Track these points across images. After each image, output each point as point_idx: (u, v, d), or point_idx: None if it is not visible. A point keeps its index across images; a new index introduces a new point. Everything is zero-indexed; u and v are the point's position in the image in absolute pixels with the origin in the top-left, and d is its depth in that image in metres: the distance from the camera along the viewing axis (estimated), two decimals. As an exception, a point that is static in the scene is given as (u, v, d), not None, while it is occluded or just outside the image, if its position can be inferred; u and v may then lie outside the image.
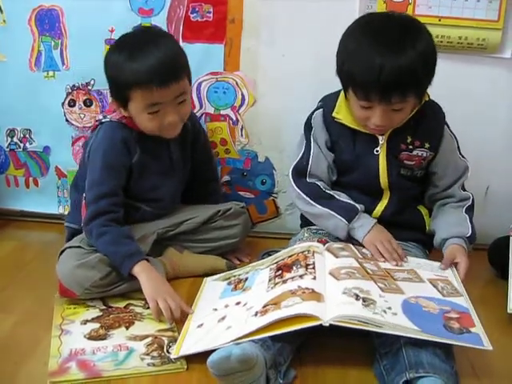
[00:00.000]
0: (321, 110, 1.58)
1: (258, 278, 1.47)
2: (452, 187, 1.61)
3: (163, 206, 1.70)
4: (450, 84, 1.75)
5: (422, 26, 1.46)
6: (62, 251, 1.54)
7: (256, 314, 1.28)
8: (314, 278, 1.34)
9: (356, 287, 1.30)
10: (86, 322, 1.42)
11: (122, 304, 1.50)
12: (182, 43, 1.77)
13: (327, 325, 1.19)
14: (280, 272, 1.42)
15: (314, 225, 1.63)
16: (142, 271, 1.47)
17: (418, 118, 1.52)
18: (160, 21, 1.78)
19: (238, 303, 1.39)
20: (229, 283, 1.53)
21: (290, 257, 1.47)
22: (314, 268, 1.38)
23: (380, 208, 1.58)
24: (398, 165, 1.55)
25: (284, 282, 1.36)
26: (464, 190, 1.63)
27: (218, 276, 1.62)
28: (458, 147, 1.61)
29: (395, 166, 1.55)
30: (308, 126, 1.60)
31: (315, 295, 1.27)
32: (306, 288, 1.30)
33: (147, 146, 1.60)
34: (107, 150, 1.56)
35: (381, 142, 1.53)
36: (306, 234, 1.63)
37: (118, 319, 1.44)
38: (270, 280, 1.41)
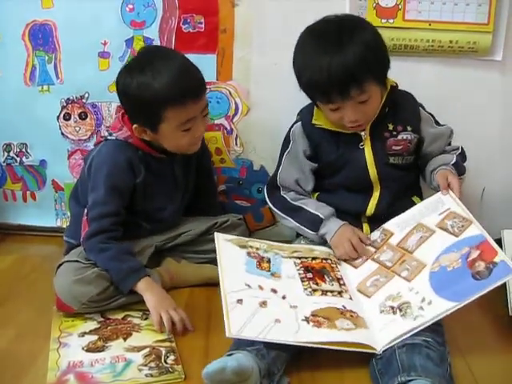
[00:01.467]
0: (299, 122, 1.62)
1: (285, 268, 1.47)
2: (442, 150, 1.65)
3: (165, 224, 1.70)
4: (443, 88, 1.77)
5: (359, 19, 1.54)
6: (60, 265, 1.54)
7: (307, 321, 1.31)
8: (351, 299, 1.41)
9: (388, 297, 1.38)
10: (83, 334, 1.43)
11: (119, 315, 1.51)
12: (174, 54, 1.80)
13: (380, 352, 1.27)
14: (311, 275, 1.46)
15: None
16: (145, 288, 1.48)
17: (394, 107, 1.55)
18: (152, 33, 1.79)
19: (274, 291, 1.39)
20: (249, 254, 1.49)
21: (313, 259, 1.51)
22: (345, 284, 1.45)
23: (373, 203, 1.60)
24: (386, 154, 1.57)
25: (324, 293, 1.41)
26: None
27: (229, 237, 1.55)
28: (436, 120, 1.64)
29: (382, 156, 1.57)
30: (286, 141, 1.65)
31: (361, 321, 1.34)
32: (352, 311, 1.36)
33: (152, 166, 1.59)
34: (112, 170, 1.54)
35: (363, 137, 1.56)
36: (302, 242, 1.64)
37: (115, 331, 1.44)
38: (302, 280, 1.44)
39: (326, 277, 1.45)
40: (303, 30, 1.52)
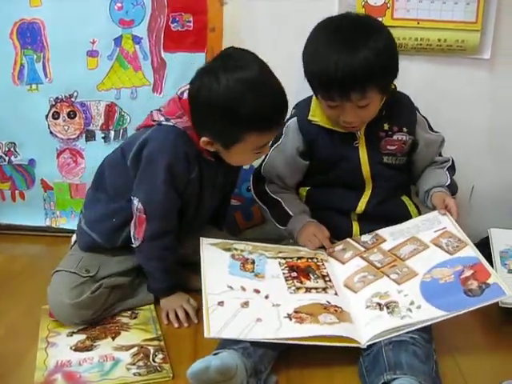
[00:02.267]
0: (294, 117, 1.61)
1: (269, 268, 1.47)
2: (433, 158, 1.67)
3: (191, 227, 1.59)
4: (431, 86, 1.78)
5: (379, 24, 1.52)
6: (56, 271, 1.50)
7: (290, 318, 1.31)
8: (336, 294, 1.40)
9: (375, 294, 1.37)
10: (72, 333, 1.42)
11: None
12: (163, 53, 1.80)
13: (364, 347, 1.27)
14: (296, 274, 1.45)
15: None
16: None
17: (391, 108, 1.56)
18: (141, 31, 1.79)
19: (256, 291, 1.39)
20: (233, 257, 1.49)
21: (298, 259, 1.51)
22: (330, 281, 1.44)
23: (364, 201, 1.60)
24: (380, 153, 1.58)
25: (308, 290, 1.40)
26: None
27: (214, 241, 1.53)
28: (430, 125, 1.65)
29: (376, 154, 1.58)
30: (278, 135, 1.63)
31: (345, 315, 1.33)
32: (336, 306, 1.35)
33: (202, 165, 1.48)
34: (172, 160, 1.42)
35: (358, 136, 1.56)
36: (290, 241, 1.64)
37: (104, 330, 1.44)
38: (286, 279, 1.43)
39: (310, 275, 1.45)
40: (320, 21, 1.50)
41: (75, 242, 1.61)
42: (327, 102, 1.48)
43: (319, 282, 1.43)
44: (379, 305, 1.34)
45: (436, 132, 1.66)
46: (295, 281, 1.42)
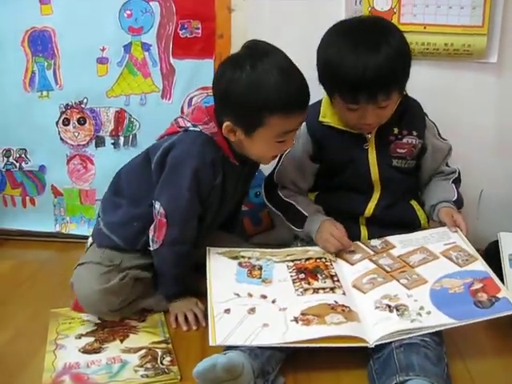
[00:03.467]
0: (304, 122, 1.61)
1: (276, 273, 1.46)
2: (439, 167, 1.67)
3: (206, 232, 1.59)
4: (439, 90, 1.77)
5: (392, 24, 1.52)
6: (80, 264, 1.50)
7: (296, 321, 1.29)
8: (344, 294, 1.38)
9: (384, 296, 1.36)
10: (80, 336, 1.43)
11: (116, 317, 1.50)
12: (172, 60, 1.82)
13: (372, 346, 1.25)
14: (304, 276, 1.44)
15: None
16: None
17: (401, 112, 1.56)
18: (150, 38, 1.81)
19: (263, 296, 1.38)
20: (240, 264, 1.49)
21: (307, 260, 1.50)
22: (339, 281, 1.42)
23: (372, 204, 1.60)
24: (390, 156, 1.58)
25: (315, 291, 1.39)
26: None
27: (221, 250, 1.54)
28: (438, 131, 1.65)
29: (386, 158, 1.58)
30: None
31: (353, 315, 1.31)
32: (344, 305, 1.33)
33: (226, 170, 1.48)
34: (199, 166, 1.41)
35: (368, 138, 1.57)
36: (298, 244, 1.64)
37: (112, 333, 1.44)
38: (294, 282, 1.42)
39: (318, 275, 1.43)
40: (333, 25, 1.51)
41: (91, 244, 1.59)
42: (349, 105, 1.47)
43: (327, 281, 1.42)
44: (389, 307, 1.33)
45: (444, 140, 1.66)
46: (303, 282, 1.41)
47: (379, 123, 1.53)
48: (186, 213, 1.46)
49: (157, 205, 1.46)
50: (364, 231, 1.61)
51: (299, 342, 1.26)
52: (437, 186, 1.66)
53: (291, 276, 1.44)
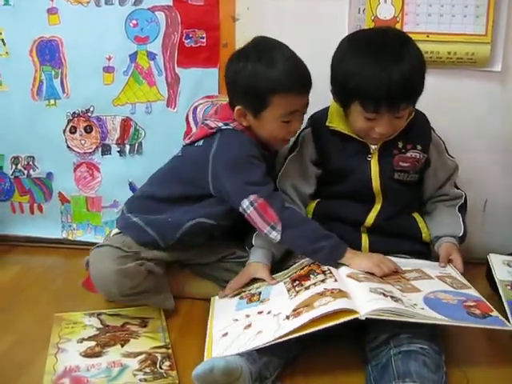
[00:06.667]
0: (309, 128, 1.64)
1: (274, 291, 1.47)
2: (444, 186, 1.66)
3: (228, 227, 1.66)
4: (443, 99, 1.77)
5: (406, 34, 1.54)
6: (99, 246, 1.52)
7: (288, 318, 1.29)
8: (336, 281, 1.37)
9: (379, 288, 1.34)
10: (82, 340, 1.44)
11: (118, 323, 1.52)
12: (177, 68, 1.84)
13: (363, 318, 1.22)
14: (298, 282, 1.44)
15: None
16: (352, 257, 1.47)
17: (407, 125, 1.56)
18: (155, 47, 1.83)
19: (260, 312, 1.39)
20: (241, 298, 1.51)
21: (301, 269, 1.49)
22: (331, 272, 1.41)
23: (373, 214, 1.60)
24: (392, 169, 1.58)
25: (307, 288, 1.38)
26: (457, 189, 1.68)
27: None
28: (446, 149, 1.66)
29: (388, 170, 1.58)
30: (293, 145, 1.66)
31: (343, 293, 1.30)
32: (333, 289, 1.32)
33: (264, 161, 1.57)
34: (252, 154, 1.52)
35: (372, 150, 1.57)
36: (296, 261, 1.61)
37: (113, 337, 1.45)
38: (289, 290, 1.42)
39: (311, 275, 1.43)
40: (346, 36, 1.56)
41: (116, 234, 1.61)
42: (368, 115, 1.47)
43: (319, 276, 1.41)
44: (384, 294, 1.31)
45: (452, 158, 1.66)
46: (296, 287, 1.41)
47: (392, 134, 1.54)
48: (266, 186, 1.50)
49: (245, 203, 1.48)
50: (365, 240, 1.61)
51: (290, 333, 1.24)
52: (443, 215, 1.65)
53: (287, 288, 1.44)
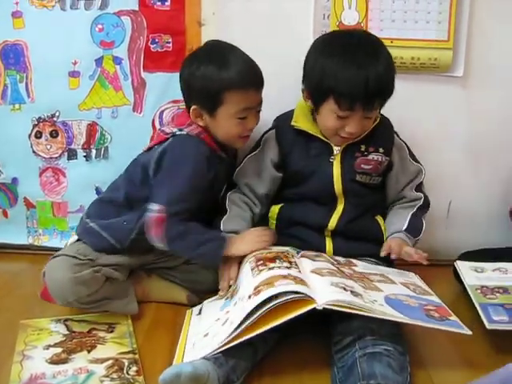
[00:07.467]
0: (273, 130, 1.65)
1: (242, 275, 1.47)
2: (404, 189, 1.68)
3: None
4: (406, 104, 1.79)
5: (376, 36, 1.57)
6: (55, 256, 1.52)
7: (250, 297, 1.30)
8: (300, 272, 1.38)
9: (341, 282, 1.35)
10: (48, 347, 1.43)
11: (85, 329, 1.51)
12: (143, 73, 1.84)
13: (321, 308, 1.23)
14: (262, 262, 1.44)
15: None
16: (233, 243, 1.53)
17: (372, 129, 1.59)
18: (121, 52, 1.83)
19: (235, 304, 1.39)
20: (226, 298, 1.50)
21: (268, 253, 1.50)
22: (296, 265, 1.42)
23: (336, 217, 1.61)
24: (354, 171, 1.60)
25: (270, 269, 1.39)
26: (420, 192, 1.70)
27: (215, 297, 1.57)
28: (411, 153, 1.68)
29: (350, 172, 1.60)
30: (255, 145, 1.68)
31: (305, 283, 1.31)
32: (296, 277, 1.33)
33: (216, 166, 1.60)
34: (196, 165, 1.54)
35: (335, 152, 1.59)
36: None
37: (80, 343, 1.44)
38: (252, 269, 1.42)
39: (277, 260, 1.43)
40: (320, 37, 1.59)
41: (74, 242, 1.62)
42: (341, 113, 1.49)
43: (284, 264, 1.41)
44: (344, 288, 1.32)
45: (415, 162, 1.68)
46: (260, 266, 1.41)
47: (359, 135, 1.56)
48: (184, 205, 1.51)
49: (154, 206, 1.51)
50: (329, 243, 1.62)
51: (247, 315, 1.25)
52: (392, 216, 1.68)
53: (251, 267, 1.44)
